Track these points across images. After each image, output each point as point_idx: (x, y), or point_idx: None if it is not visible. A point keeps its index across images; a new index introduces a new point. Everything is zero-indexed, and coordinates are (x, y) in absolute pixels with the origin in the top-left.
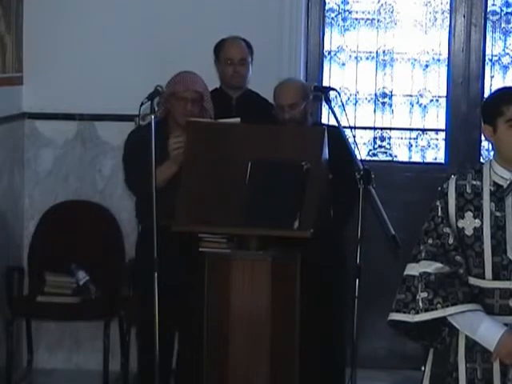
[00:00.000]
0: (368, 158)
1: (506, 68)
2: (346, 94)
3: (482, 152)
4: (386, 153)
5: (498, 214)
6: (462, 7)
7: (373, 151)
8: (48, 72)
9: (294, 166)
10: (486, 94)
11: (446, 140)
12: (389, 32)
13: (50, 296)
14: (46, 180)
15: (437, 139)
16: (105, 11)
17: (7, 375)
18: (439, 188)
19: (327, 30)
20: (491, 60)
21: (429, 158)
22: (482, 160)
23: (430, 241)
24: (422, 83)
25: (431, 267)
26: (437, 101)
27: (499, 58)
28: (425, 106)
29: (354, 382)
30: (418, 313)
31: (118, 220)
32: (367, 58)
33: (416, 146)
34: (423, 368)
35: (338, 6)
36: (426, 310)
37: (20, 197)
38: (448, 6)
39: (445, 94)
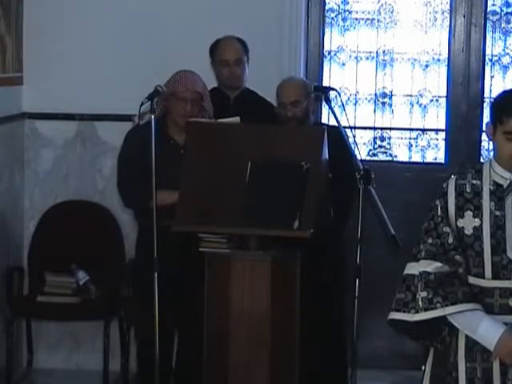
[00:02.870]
0: (368, 158)
1: (506, 68)
2: (346, 94)
3: (482, 152)
4: (386, 153)
5: (497, 213)
6: (462, 7)
7: (373, 151)
8: (48, 72)
9: (293, 165)
10: (486, 94)
11: (445, 140)
12: (389, 32)
13: (50, 296)
14: (46, 180)
15: (437, 139)
16: (105, 11)
17: (7, 375)
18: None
19: (327, 30)
20: (491, 60)
21: (429, 158)
22: (482, 160)
23: (430, 240)
24: (422, 83)
25: (431, 266)
26: (437, 101)
27: (499, 58)
28: (425, 106)
29: (354, 382)
30: (417, 312)
31: (118, 220)
32: (367, 58)
33: (416, 146)
34: (423, 367)
35: (338, 6)
36: (426, 310)
37: (20, 197)
38: (448, 6)
39: (445, 93)
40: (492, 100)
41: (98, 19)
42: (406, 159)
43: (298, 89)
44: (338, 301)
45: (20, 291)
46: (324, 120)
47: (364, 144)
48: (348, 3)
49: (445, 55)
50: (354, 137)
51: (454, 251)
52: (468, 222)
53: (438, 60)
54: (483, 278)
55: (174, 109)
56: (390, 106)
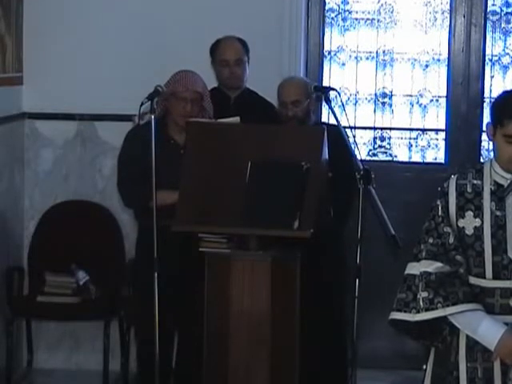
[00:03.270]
0: (368, 158)
1: (506, 68)
2: (346, 94)
3: (482, 152)
4: (386, 153)
5: (498, 213)
6: (462, 7)
7: (373, 151)
8: (48, 72)
9: (293, 165)
10: (486, 94)
11: (445, 140)
12: (389, 32)
13: (50, 296)
14: (46, 180)
15: (437, 139)
16: (105, 11)
17: (7, 375)
18: (439, 188)
19: (327, 30)
20: (491, 60)
21: (429, 158)
22: (481, 160)
23: (431, 240)
24: (422, 83)
25: (432, 267)
26: (437, 101)
27: (499, 58)
28: (425, 106)
29: (354, 382)
30: (418, 312)
31: (118, 220)
32: (367, 58)
33: (416, 146)
34: (425, 367)
35: (338, 6)
36: (427, 310)
37: (20, 197)
38: (448, 6)
39: (445, 94)
40: (493, 100)
41: (98, 19)
42: (406, 159)
43: (299, 88)
44: (337, 301)
45: (20, 291)
46: (324, 120)
47: (364, 144)
48: (348, 3)
49: (445, 55)
50: (354, 137)
51: (454, 251)
52: (469, 222)
53: (438, 60)
54: (484, 278)
55: (174, 109)
56: (390, 105)
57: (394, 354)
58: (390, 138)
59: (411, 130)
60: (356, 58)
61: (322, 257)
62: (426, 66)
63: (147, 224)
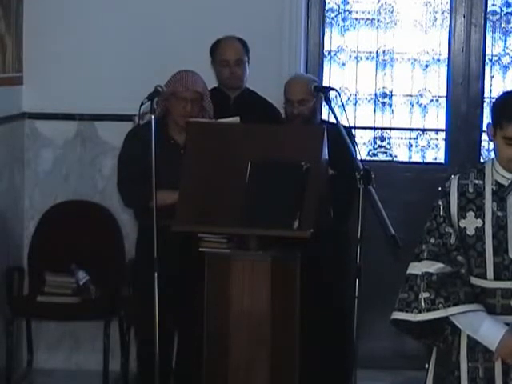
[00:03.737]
0: (368, 158)
1: (506, 68)
2: (346, 93)
3: (482, 152)
4: (386, 153)
5: (499, 213)
6: (462, 7)
7: (373, 151)
8: (48, 72)
9: (293, 165)
10: (486, 94)
11: (445, 140)
12: (389, 32)
13: (50, 296)
14: (46, 180)
15: (437, 139)
16: (105, 11)
17: (7, 375)
18: (440, 188)
19: (327, 30)
20: (491, 60)
21: (429, 158)
22: (481, 160)
23: (432, 240)
24: (422, 83)
25: (433, 267)
26: (437, 101)
27: (499, 58)
28: (425, 106)
29: (354, 382)
30: (420, 312)
31: (118, 220)
32: (367, 58)
33: (416, 146)
34: (427, 366)
35: (338, 6)
36: (428, 310)
37: (20, 197)
38: (448, 6)
39: (445, 93)
40: (493, 100)
41: (98, 19)
42: (406, 159)
43: (306, 87)
44: (338, 301)
45: (20, 291)
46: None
47: (364, 144)
48: (348, 3)
49: (445, 55)
50: (354, 137)
51: (456, 252)
52: (470, 223)
53: (438, 60)
54: (485, 278)
55: (175, 109)
56: (390, 105)
57: (394, 354)
58: (390, 138)
59: (411, 129)
60: (356, 58)
61: (322, 257)
62: (426, 66)
63: (147, 224)
